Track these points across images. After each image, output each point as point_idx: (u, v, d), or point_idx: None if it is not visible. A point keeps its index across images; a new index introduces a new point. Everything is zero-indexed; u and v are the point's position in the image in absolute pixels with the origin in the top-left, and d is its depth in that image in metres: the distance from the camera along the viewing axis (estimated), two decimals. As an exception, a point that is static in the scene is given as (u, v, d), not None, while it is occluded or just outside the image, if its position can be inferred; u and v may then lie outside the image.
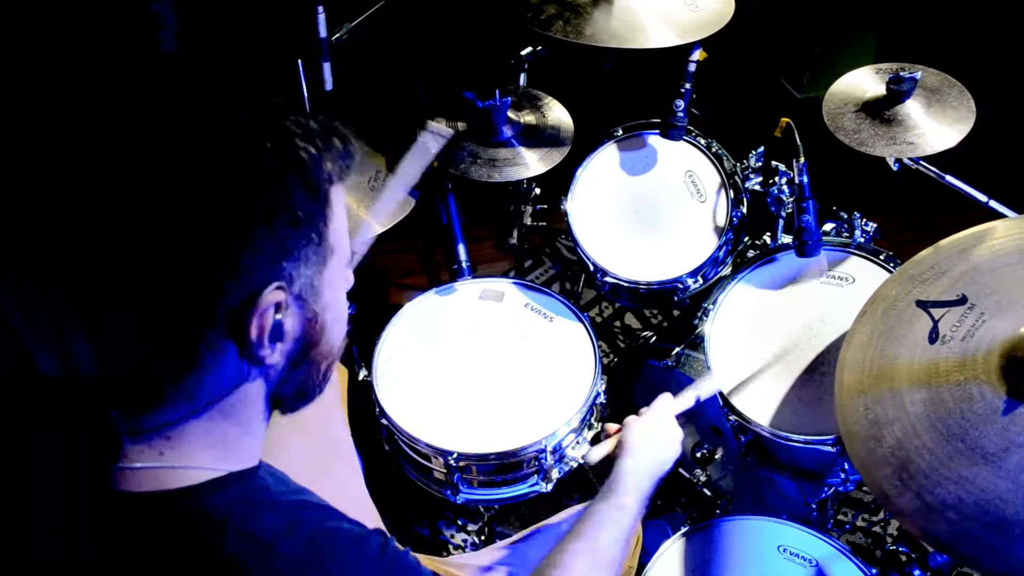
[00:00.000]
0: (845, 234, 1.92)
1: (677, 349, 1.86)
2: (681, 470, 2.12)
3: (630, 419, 1.36)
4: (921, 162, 1.76)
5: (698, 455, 1.94)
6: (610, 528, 1.17)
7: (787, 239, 1.87)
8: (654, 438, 1.32)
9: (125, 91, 0.78)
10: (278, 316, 0.79)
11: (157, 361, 0.77)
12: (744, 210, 1.93)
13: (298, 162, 0.77)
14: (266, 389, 0.86)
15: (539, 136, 1.94)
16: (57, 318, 0.75)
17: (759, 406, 1.64)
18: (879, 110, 1.73)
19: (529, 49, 2.09)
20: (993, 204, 1.74)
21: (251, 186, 0.74)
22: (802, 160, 1.69)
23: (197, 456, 0.82)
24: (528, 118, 1.98)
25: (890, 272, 1.70)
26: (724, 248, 1.90)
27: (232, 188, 0.73)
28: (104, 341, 0.75)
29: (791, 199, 1.77)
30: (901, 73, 1.70)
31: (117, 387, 0.79)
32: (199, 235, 0.72)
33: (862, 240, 1.84)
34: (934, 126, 1.69)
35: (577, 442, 1.72)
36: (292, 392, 0.89)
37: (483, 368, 1.75)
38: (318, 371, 0.89)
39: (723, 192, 1.92)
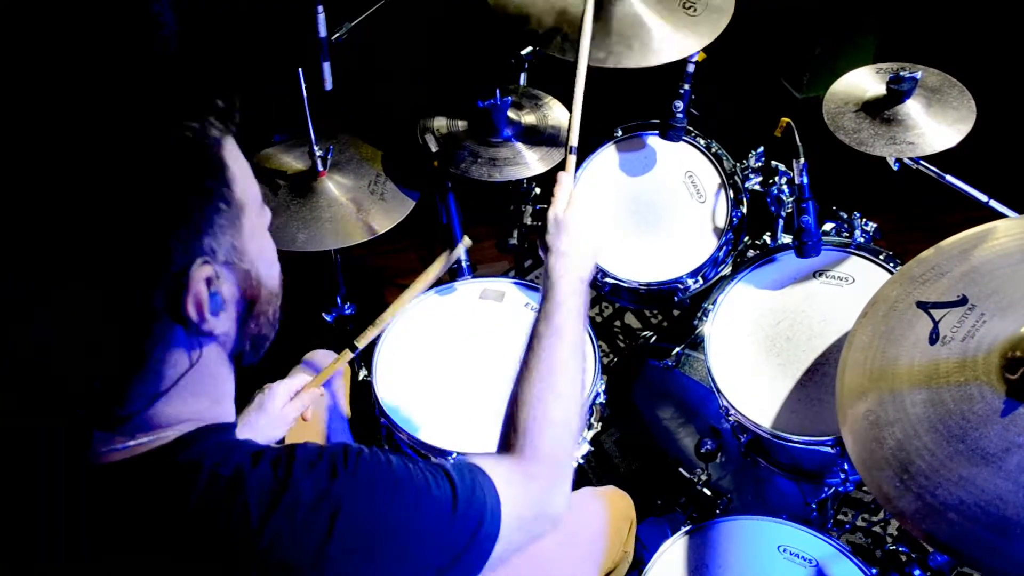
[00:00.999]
0: (845, 234, 1.92)
1: (677, 349, 1.86)
2: (681, 470, 2.12)
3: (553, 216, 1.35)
4: (921, 162, 1.76)
5: (703, 451, 1.93)
6: (563, 347, 1.15)
7: (787, 239, 1.87)
8: (580, 228, 1.31)
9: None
10: (212, 290, 0.79)
11: (109, 366, 0.78)
12: (744, 210, 1.93)
13: (184, 144, 0.77)
14: (226, 353, 0.88)
15: (539, 136, 1.94)
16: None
17: (759, 406, 1.64)
18: (879, 110, 1.73)
19: (529, 49, 2.09)
20: (993, 204, 1.74)
21: (147, 181, 0.74)
22: (802, 160, 1.69)
23: (172, 429, 0.83)
24: (528, 118, 1.98)
25: (890, 272, 1.70)
26: (724, 248, 1.90)
27: (131, 187, 0.73)
28: (51, 355, 0.76)
29: (791, 199, 1.77)
30: (901, 73, 1.70)
31: (76, 397, 0.79)
32: (114, 236, 0.73)
33: (862, 240, 1.84)
34: (934, 126, 1.69)
35: (576, 442, 1.72)
36: (250, 347, 0.91)
37: (483, 368, 1.75)
38: (267, 319, 0.91)
39: (723, 192, 1.92)
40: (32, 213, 0.72)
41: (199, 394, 0.85)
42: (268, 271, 0.90)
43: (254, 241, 0.86)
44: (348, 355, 1.49)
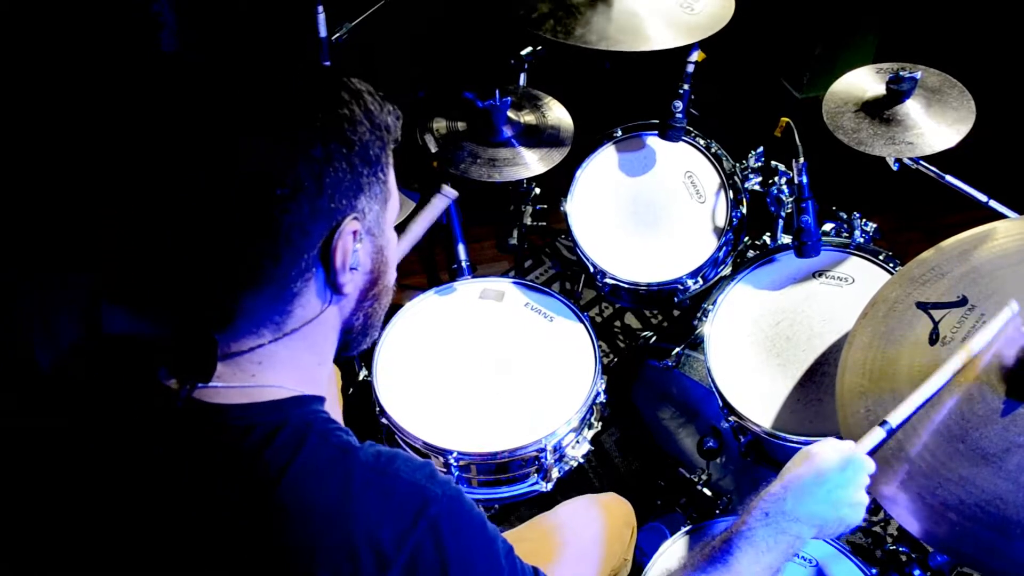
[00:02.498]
0: (845, 234, 1.92)
1: (677, 349, 1.86)
2: (681, 470, 2.12)
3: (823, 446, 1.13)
4: (921, 162, 1.76)
5: (705, 448, 1.93)
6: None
7: (787, 239, 1.88)
8: (842, 489, 1.10)
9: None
10: (356, 246, 0.88)
11: (261, 283, 0.85)
12: (744, 210, 1.93)
13: (368, 108, 0.88)
14: (340, 320, 0.96)
15: (539, 136, 1.94)
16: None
17: (759, 407, 1.64)
18: (879, 110, 1.73)
19: (529, 49, 2.09)
20: (993, 204, 1.74)
21: (334, 120, 0.85)
22: (801, 160, 1.69)
23: (283, 379, 0.90)
24: (528, 118, 1.98)
25: (890, 272, 1.70)
26: (724, 248, 1.90)
27: (319, 122, 0.84)
28: (208, 273, 0.83)
29: (790, 199, 1.77)
30: (901, 73, 1.70)
31: (215, 311, 0.86)
32: (295, 166, 0.81)
33: (862, 240, 1.84)
34: (934, 126, 1.69)
35: (577, 442, 1.72)
36: (360, 327, 0.99)
37: (483, 368, 1.75)
38: (380, 307, 1.00)
39: (722, 192, 1.92)
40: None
41: (312, 350, 0.93)
42: (392, 263, 1.00)
43: (390, 232, 0.97)
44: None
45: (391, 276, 1.01)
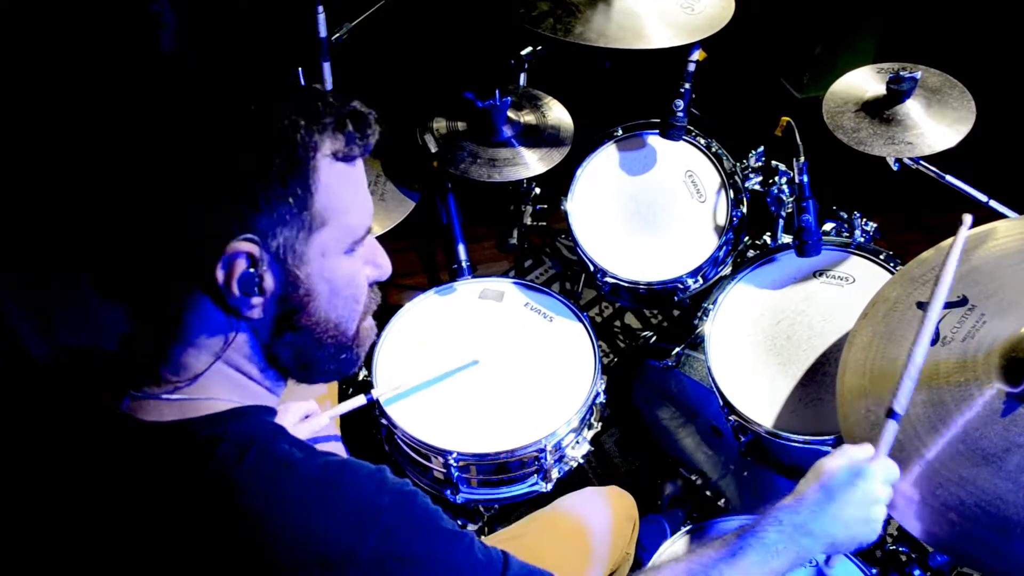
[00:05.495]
0: (845, 234, 1.92)
1: (677, 349, 1.86)
2: (681, 470, 2.12)
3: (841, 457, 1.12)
4: (921, 162, 1.76)
5: (667, 493, 1.93)
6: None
7: (787, 239, 1.87)
8: (860, 505, 1.09)
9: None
10: (251, 269, 0.81)
11: (148, 336, 0.82)
12: (744, 210, 1.93)
13: (276, 122, 0.80)
14: (256, 344, 0.89)
15: (539, 136, 1.94)
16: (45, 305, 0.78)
17: (759, 406, 1.64)
18: (879, 110, 1.73)
19: (529, 49, 2.09)
20: (993, 204, 1.74)
21: (209, 126, 0.79)
22: (802, 159, 1.69)
23: (220, 392, 0.87)
24: (528, 118, 1.98)
25: (890, 272, 1.70)
26: (724, 248, 1.90)
27: (204, 149, 0.78)
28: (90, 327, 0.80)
29: (791, 199, 1.77)
30: (901, 73, 1.70)
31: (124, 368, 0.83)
32: (172, 188, 0.77)
33: (862, 240, 1.84)
34: (934, 126, 1.69)
35: (577, 442, 1.72)
36: (290, 358, 0.91)
37: (483, 368, 1.75)
38: (320, 344, 0.91)
39: (723, 192, 1.92)
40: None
41: (239, 370, 0.88)
42: (333, 300, 0.90)
43: (325, 260, 0.87)
44: (360, 400, 1.60)
45: (331, 314, 0.91)
